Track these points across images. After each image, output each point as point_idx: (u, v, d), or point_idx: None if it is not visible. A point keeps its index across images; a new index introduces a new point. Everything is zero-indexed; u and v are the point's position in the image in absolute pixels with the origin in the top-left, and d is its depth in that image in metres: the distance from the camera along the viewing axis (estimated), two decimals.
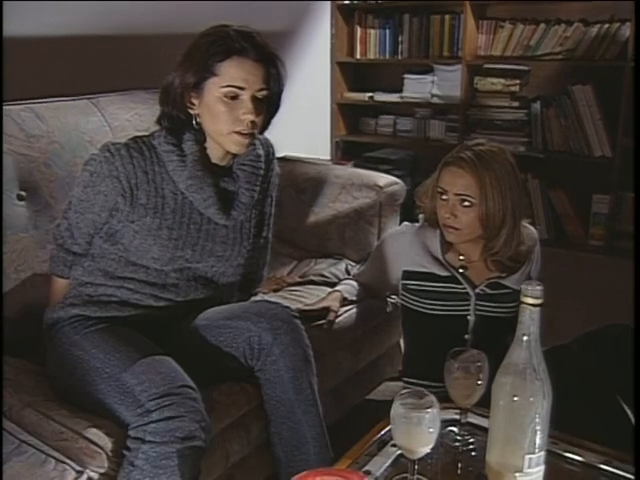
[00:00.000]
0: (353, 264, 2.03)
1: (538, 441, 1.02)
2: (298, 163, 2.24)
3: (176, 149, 1.43)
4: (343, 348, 1.79)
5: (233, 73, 1.35)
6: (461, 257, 1.65)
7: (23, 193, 1.64)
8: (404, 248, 1.70)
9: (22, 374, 1.41)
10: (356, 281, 1.86)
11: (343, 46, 3.65)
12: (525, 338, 0.99)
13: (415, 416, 0.99)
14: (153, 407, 1.19)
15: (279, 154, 1.68)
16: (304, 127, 3.27)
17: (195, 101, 1.40)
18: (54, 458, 1.15)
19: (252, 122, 1.38)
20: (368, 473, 1.12)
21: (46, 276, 1.58)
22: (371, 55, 3.62)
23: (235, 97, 1.37)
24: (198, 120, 1.42)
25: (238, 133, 1.39)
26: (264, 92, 1.39)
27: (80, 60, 2.20)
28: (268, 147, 1.62)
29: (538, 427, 1.01)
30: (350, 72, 3.72)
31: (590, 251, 3.17)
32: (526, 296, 0.97)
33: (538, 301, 0.97)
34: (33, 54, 2.08)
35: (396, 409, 1.00)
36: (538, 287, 0.97)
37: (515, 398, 1.02)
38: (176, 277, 1.47)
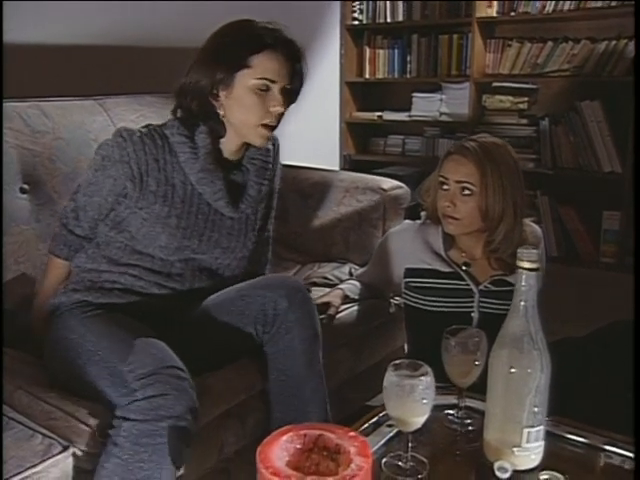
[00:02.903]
0: (357, 268, 2.01)
1: (536, 415, 0.98)
2: (302, 169, 2.24)
3: (188, 141, 1.43)
4: (344, 346, 1.75)
5: (267, 66, 1.38)
6: (463, 254, 1.63)
7: (26, 186, 1.65)
8: (406, 245, 1.68)
9: (18, 363, 1.40)
10: (359, 281, 1.84)
11: (352, 66, 3.68)
12: (522, 304, 0.97)
13: (408, 384, 0.95)
14: (138, 386, 1.17)
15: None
16: (313, 146, 3.28)
17: (222, 93, 1.41)
18: (41, 434, 1.13)
19: (280, 114, 1.41)
20: None
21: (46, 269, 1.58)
22: (380, 75, 3.64)
23: (266, 89, 1.39)
24: (221, 112, 1.43)
25: (265, 126, 1.41)
26: (289, 86, 1.42)
27: (91, 67, 2.24)
28: (275, 140, 1.63)
29: (536, 400, 0.98)
30: (359, 91, 3.74)
31: (601, 268, 3.11)
32: (521, 260, 0.95)
33: (534, 265, 0.95)
34: (50, 60, 2.12)
35: (389, 377, 0.97)
36: (534, 251, 0.95)
37: (512, 370, 0.99)
38: (181, 267, 1.47)
